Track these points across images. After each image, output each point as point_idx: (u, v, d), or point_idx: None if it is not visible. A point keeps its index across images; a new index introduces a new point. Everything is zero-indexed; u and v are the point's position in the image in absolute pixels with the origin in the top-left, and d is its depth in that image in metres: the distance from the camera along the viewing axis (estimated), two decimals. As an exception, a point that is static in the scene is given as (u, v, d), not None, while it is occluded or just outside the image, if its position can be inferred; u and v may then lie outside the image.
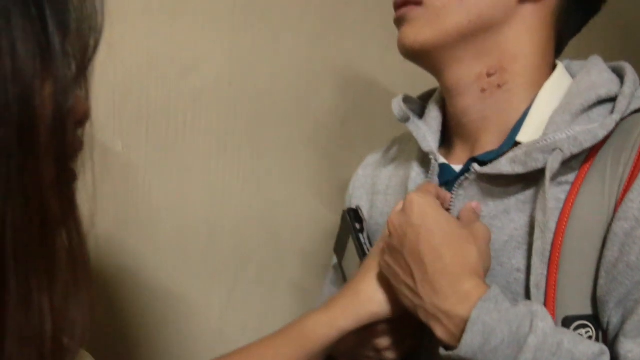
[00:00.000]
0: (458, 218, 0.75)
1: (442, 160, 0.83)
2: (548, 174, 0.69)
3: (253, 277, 1.20)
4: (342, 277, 0.92)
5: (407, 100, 0.90)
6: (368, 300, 0.75)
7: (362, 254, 0.84)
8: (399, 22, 0.80)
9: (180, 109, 1.11)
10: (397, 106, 0.88)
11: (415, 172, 0.85)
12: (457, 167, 0.81)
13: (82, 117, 0.48)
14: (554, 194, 0.71)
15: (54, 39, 0.44)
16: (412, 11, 0.77)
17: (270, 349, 0.76)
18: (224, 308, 1.18)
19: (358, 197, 0.96)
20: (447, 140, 0.86)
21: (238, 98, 1.16)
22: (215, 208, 1.16)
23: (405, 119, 0.87)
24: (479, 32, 0.76)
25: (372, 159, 1.00)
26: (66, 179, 0.47)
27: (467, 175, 0.77)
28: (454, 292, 0.66)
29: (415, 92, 1.35)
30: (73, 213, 0.48)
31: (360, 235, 0.86)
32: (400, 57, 1.32)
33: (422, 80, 1.35)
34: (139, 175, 1.10)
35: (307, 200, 1.24)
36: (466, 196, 0.77)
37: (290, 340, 0.75)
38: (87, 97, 0.48)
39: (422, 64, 0.82)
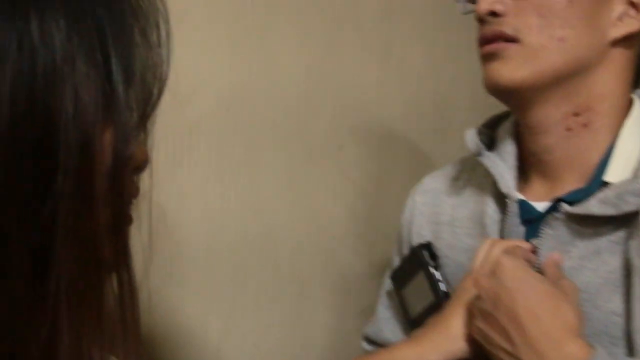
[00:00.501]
0: (542, 271, 0.74)
1: (519, 196, 0.82)
2: None
3: (251, 302, 1.19)
4: (401, 305, 0.92)
5: (477, 131, 0.89)
6: (459, 336, 0.75)
7: (437, 291, 0.84)
8: (490, 57, 0.77)
9: (178, 135, 1.10)
10: (472, 140, 0.86)
11: (492, 209, 0.83)
12: (536, 204, 0.80)
13: (141, 164, 0.48)
14: None
15: (118, 87, 0.43)
16: (507, 49, 0.76)
17: None
18: (222, 333, 1.17)
19: (418, 226, 0.94)
20: (523, 174, 0.84)
21: (236, 124, 1.15)
22: (213, 233, 1.15)
23: (479, 153, 0.85)
24: (572, 73, 0.76)
25: (431, 184, 0.96)
26: (120, 226, 0.46)
27: (555, 214, 0.76)
28: (558, 355, 0.66)
29: (414, 119, 1.36)
30: (126, 260, 0.47)
31: (435, 273, 0.86)
32: (397, 84, 1.34)
33: (417, 107, 1.36)
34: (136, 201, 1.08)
35: (304, 225, 1.24)
36: (554, 235, 0.76)
37: None
38: (146, 144, 0.47)
39: (507, 101, 0.81)
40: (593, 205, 0.72)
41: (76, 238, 0.43)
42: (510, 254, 0.74)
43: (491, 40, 0.77)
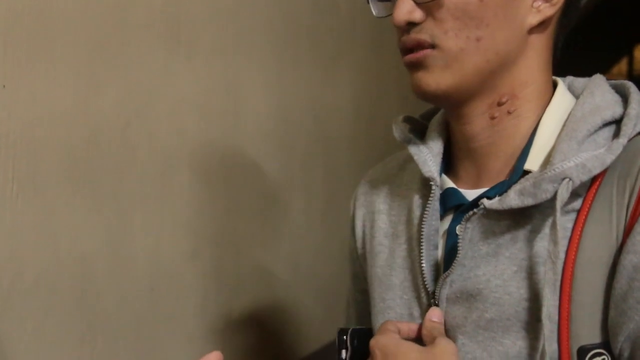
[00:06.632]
0: (423, 332, 0.79)
1: (450, 184, 0.83)
2: (559, 205, 0.71)
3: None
4: None
5: (408, 120, 0.89)
6: None
7: None
8: (414, 66, 0.78)
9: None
10: (397, 129, 0.87)
11: (418, 194, 0.85)
12: (465, 192, 0.82)
13: None
14: (562, 222, 0.72)
15: None
16: (428, 57, 0.76)
17: None
18: None
19: (360, 217, 0.96)
20: (453, 162, 0.86)
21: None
22: None
23: (407, 141, 0.86)
24: (495, 68, 0.77)
25: (372, 175, 0.98)
26: None
27: (475, 210, 0.77)
28: None
29: (203, 100, 1.37)
30: None
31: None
32: (186, 67, 1.34)
33: (207, 89, 1.37)
34: None
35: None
36: (474, 229, 0.78)
37: None
38: None
39: (436, 103, 0.84)
40: (512, 199, 0.74)
41: None
42: (381, 332, 0.79)
43: (412, 48, 0.78)
